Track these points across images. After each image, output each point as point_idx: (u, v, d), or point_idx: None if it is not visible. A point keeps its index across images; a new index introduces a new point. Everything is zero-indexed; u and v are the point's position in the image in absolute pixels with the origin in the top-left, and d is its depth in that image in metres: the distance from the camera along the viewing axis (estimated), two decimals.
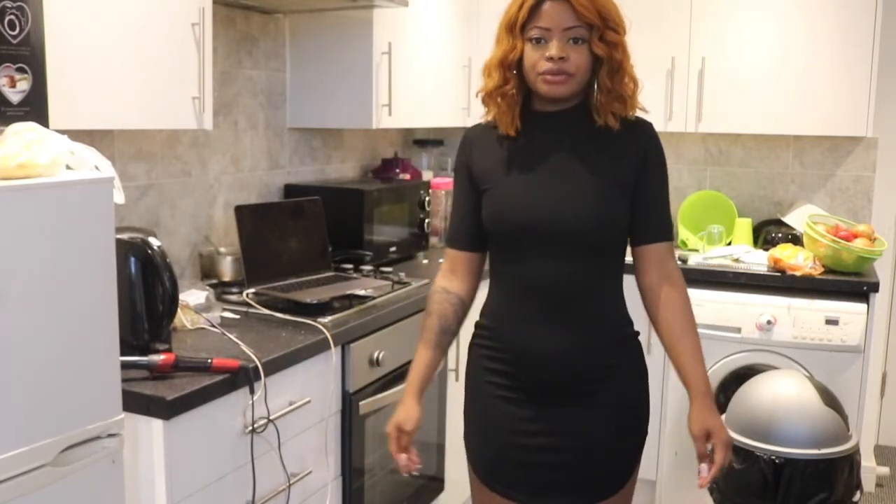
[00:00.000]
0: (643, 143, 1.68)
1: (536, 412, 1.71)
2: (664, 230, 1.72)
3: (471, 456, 1.83)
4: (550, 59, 1.59)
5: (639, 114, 1.71)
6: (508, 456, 1.75)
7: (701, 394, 1.68)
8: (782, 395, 2.52)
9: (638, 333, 1.79)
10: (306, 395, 2.06)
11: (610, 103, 1.65)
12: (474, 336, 1.83)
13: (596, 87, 1.65)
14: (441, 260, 3.26)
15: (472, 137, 1.79)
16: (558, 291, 1.66)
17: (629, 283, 1.74)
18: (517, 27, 1.64)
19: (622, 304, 1.75)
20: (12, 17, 1.53)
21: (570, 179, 1.66)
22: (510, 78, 1.67)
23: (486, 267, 1.82)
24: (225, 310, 2.28)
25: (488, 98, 1.72)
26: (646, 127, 1.71)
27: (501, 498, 1.77)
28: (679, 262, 3.20)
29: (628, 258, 1.73)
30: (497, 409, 1.74)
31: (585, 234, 1.64)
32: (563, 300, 1.67)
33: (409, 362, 2.52)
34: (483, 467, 1.80)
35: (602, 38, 1.60)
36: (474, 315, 1.83)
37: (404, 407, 1.78)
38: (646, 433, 1.83)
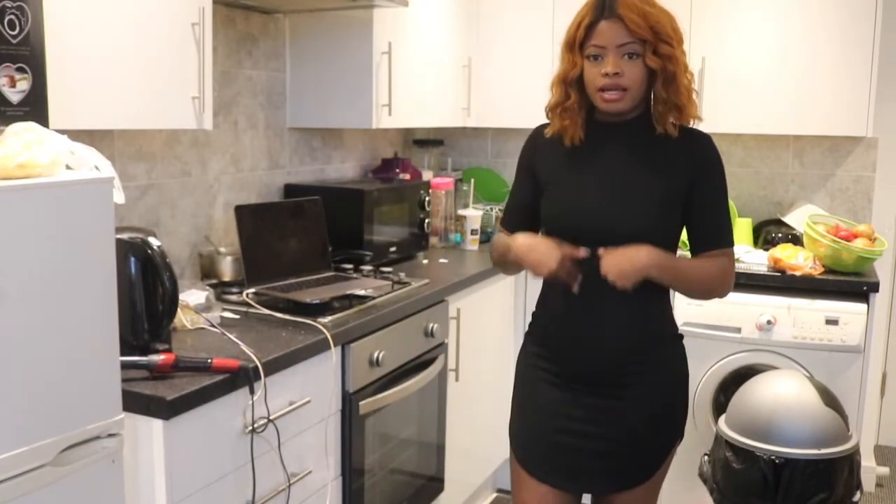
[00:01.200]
0: (698, 153, 1.80)
1: (576, 398, 1.86)
2: (718, 237, 1.83)
3: (512, 437, 1.99)
4: (606, 74, 1.71)
5: (698, 125, 1.83)
6: (546, 438, 1.89)
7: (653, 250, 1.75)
8: (782, 395, 2.52)
9: (682, 336, 1.93)
10: (306, 395, 2.06)
11: (667, 113, 1.77)
12: (529, 326, 2.00)
13: (653, 97, 1.77)
14: (441, 260, 3.28)
15: (539, 138, 1.93)
16: (605, 290, 1.76)
17: None
18: (576, 46, 1.75)
19: (667, 307, 1.90)
20: (12, 17, 1.53)
21: (625, 186, 1.79)
22: (571, 93, 1.80)
23: None
24: (225, 310, 2.28)
25: (552, 112, 1.86)
26: (702, 137, 1.81)
27: (536, 481, 1.92)
28: None
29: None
30: (541, 393, 1.91)
31: (633, 241, 1.74)
32: (608, 299, 1.78)
33: (409, 362, 2.54)
34: (521, 448, 1.95)
35: (655, 51, 1.70)
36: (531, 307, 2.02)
37: (540, 242, 1.84)
38: (681, 433, 1.94)
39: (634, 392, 1.85)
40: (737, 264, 3.21)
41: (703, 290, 1.86)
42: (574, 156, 1.85)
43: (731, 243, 1.86)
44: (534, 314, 1.99)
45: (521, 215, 1.97)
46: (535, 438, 1.93)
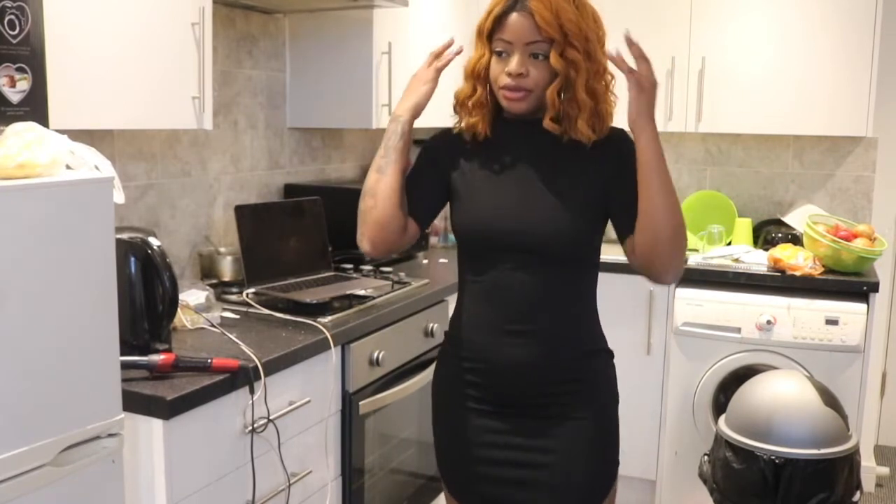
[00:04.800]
0: (614, 148, 1.63)
1: (505, 425, 1.69)
2: None
3: (442, 469, 1.82)
4: (509, 74, 1.58)
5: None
6: (476, 470, 1.72)
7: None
8: (782, 395, 2.52)
9: (611, 353, 1.76)
10: (306, 395, 2.07)
11: (557, 118, 1.61)
12: (443, 346, 1.81)
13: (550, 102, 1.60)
14: (441, 259, 3.27)
15: (447, 135, 1.77)
16: (522, 302, 1.64)
17: (604, 299, 1.74)
18: (484, 35, 1.63)
19: (592, 321, 1.73)
20: (12, 17, 1.53)
21: (537, 190, 1.64)
22: (478, 87, 1.66)
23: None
24: (225, 310, 2.28)
25: (460, 107, 1.72)
26: (615, 132, 1.65)
27: None
28: None
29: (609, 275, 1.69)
30: (467, 421, 1.72)
31: (549, 246, 1.62)
32: (526, 311, 1.64)
33: (409, 362, 2.54)
34: (453, 480, 1.79)
35: (562, 53, 1.56)
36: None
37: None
38: (617, 458, 1.75)
39: (569, 416, 1.66)
40: (737, 264, 3.25)
41: (675, 213, 1.57)
42: (482, 159, 1.70)
43: None
44: (449, 334, 1.79)
45: (409, 196, 1.73)
46: (465, 469, 1.74)
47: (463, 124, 1.73)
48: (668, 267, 1.61)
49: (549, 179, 1.64)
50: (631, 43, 1.55)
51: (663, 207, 1.56)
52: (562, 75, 1.57)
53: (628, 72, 1.54)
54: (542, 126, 1.63)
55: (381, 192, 1.69)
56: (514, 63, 1.58)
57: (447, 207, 1.78)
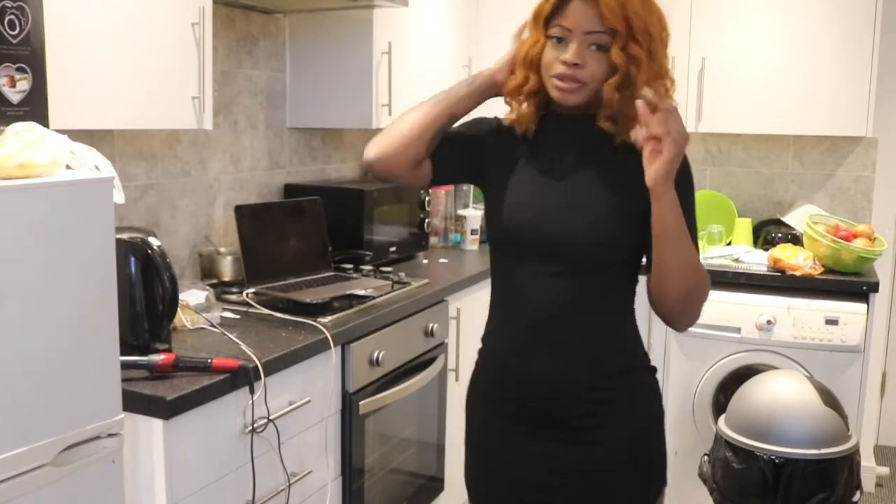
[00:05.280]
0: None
1: (528, 443, 1.58)
2: None
3: (466, 479, 1.74)
4: (564, 63, 1.46)
5: None
6: (498, 485, 1.64)
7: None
8: (782, 395, 2.52)
9: (653, 370, 1.63)
10: (306, 394, 2.06)
11: (611, 118, 1.49)
12: (476, 363, 1.72)
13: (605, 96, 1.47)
14: (441, 260, 3.27)
15: (501, 124, 1.67)
16: (548, 309, 1.54)
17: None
18: (542, 20, 1.51)
19: (627, 336, 1.58)
20: (12, 17, 1.53)
21: (578, 192, 1.52)
22: (531, 75, 1.54)
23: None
24: (225, 310, 2.28)
25: (512, 97, 1.60)
26: None
27: None
28: None
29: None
30: (493, 433, 1.64)
31: (580, 254, 1.51)
32: (552, 319, 1.53)
33: (409, 362, 2.54)
34: (475, 493, 1.71)
35: (624, 47, 1.43)
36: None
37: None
38: (664, 480, 1.64)
39: (602, 436, 1.54)
40: (737, 264, 3.25)
41: (691, 277, 1.47)
42: (525, 153, 1.59)
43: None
44: (480, 350, 1.70)
45: (440, 142, 1.64)
46: (486, 484, 1.67)
47: (514, 115, 1.61)
48: (676, 319, 1.53)
49: (593, 182, 1.53)
50: (651, 104, 1.38)
51: (675, 271, 1.46)
52: (621, 71, 1.44)
53: (660, 132, 1.37)
54: (593, 124, 1.51)
55: (420, 115, 1.62)
56: (570, 51, 1.45)
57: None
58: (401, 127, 1.64)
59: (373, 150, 1.67)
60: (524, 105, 1.58)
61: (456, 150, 1.66)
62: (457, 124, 1.67)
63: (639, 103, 1.38)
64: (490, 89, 1.63)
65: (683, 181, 1.47)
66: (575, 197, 1.53)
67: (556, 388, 1.55)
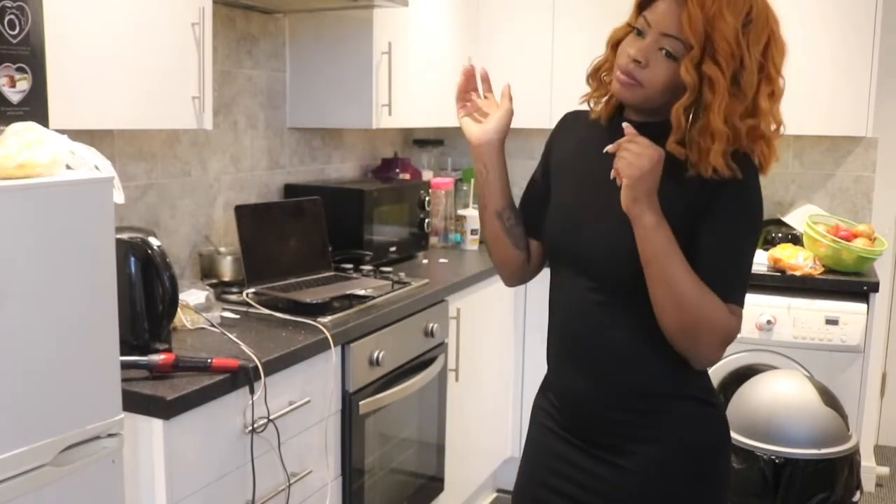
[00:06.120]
0: (717, 186, 1.37)
1: (568, 452, 1.53)
2: (720, 284, 1.37)
3: (514, 490, 1.70)
4: (628, 56, 1.38)
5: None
6: (536, 493, 1.60)
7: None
8: (782, 395, 2.52)
9: (704, 401, 1.49)
10: (306, 394, 2.06)
11: (680, 145, 1.37)
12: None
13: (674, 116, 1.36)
14: (441, 259, 3.27)
15: (568, 119, 1.62)
16: (581, 328, 1.48)
17: None
18: (637, 4, 1.42)
19: (665, 360, 1.43)
20: (12, 17, 1.53)
21: (612, 201, 1.38)
22: (612, 59, 1.45)
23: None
24: (225, 310, 2.28)
25: (592, 76, 1.52)
26: (742, 166, 1.38)
27: None
28: None
29: None
30: (539, 441, 1.61)
31: (604, 267, 1.44)
32: (586, 340, 1.48)
33: (409, 362, 2.54)
34: (517, 498, 1.68)
35: (698, 65, 1.32)
36: None
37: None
38: None
39: (629, 461, 1.46)
40: None
41: (682, 312, 1.35)
42: (590, 147, 1.47)
43: (737, 301, 1.40)
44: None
45: (524, 210, 1.62)
46: (528, 491, 1.63)
47: (591, 100, 1.53)
48: (685, 355, 1.41)
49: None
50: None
51: (661, 302, 1.36)
52: (691, 91, 1.33)
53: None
54: (654, 129, 1.38)
55: (488, 240, 1.62)
56: (638, 46, 1.37)
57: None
58: (491, 257, 1.65)
59: (502, 279, 1.68)
60: (601, 87, 1.50)
61: (535, 209, 1.60)
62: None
63: (626, 126, 1.35)
64: (476, 156, 1.55)
65: (734, 202, 1.38)
66: (613, 209, 1.38)
67: (585, 402, 1.50)
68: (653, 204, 1.33)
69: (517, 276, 1.65)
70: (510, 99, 1.53)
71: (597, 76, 1.51)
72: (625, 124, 1.37)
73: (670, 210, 1.36)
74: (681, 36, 1.33)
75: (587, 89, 1.55)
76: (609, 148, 1.37)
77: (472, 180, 1.57)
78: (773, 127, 1.42)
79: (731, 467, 1.59)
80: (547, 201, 1.57)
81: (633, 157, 1.32)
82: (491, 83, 1.57)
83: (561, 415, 1.55)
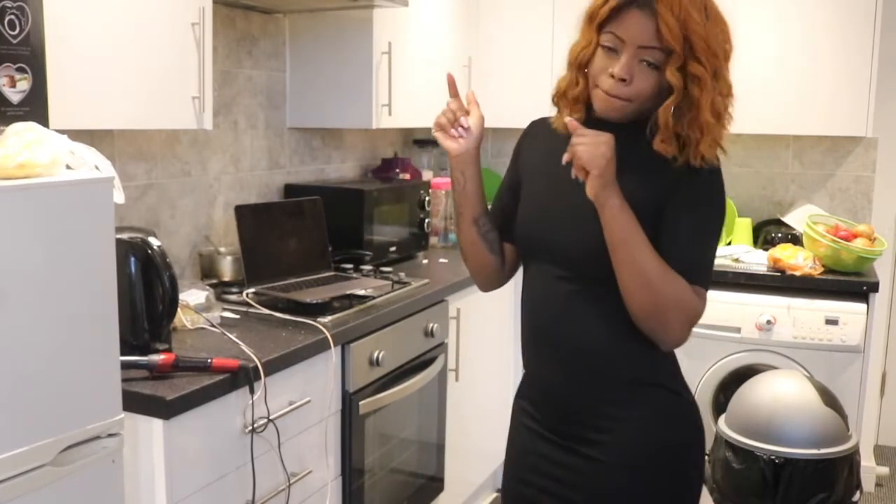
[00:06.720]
0: (682, 173, 1.42)
1: (547, 450, 1.56)
2: (686, 269, 1.41)
3: (502, 483, 1.73)
4: (612, 76, 1.40)
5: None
6: (516, 490, 1.63)
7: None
8: (782, 395, 2.52)
9: (672, 391, 1.52)
10: (306, 394, 2.06)
11: (668, 142, 1.41)
12: None
13: (657, 119, 1.41)
14: (441, 259, 3.27)
15: (536, 125, 1.65)
16: (551, 317, 1.51)
17: None
18: (596, 22, 1.42)
19: (633, 348, 1.47)
20: (12, 17, 1.53)
21: (584, 196, 1.41)
22: (580, 79, 1.47)
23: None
24: (225, 310, 2.28)
25: (559, 98, 1.54)
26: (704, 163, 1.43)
27: None
28: None
29: None
30: (518, 435, 1.64)
31: (583, 258, 1.46)
32: (555, 328, 1.51)
33: (409, 362, 2.54)
34: (503, 495, 1.71)
35: (682, 67, 1.36)
36: None
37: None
38: None
39: (603, 453, 1.49)
40: (737, 264, 3.25)
41: (649, 293, 1.38)
42: (558, 151, 1.45)
43: (701, 283, 1.43)
44: None
45: (496, 213, 1.66)
46: (507, 486, 1.68)
47: (559, 117, 1.55)
48: (653, 337, 1.44)
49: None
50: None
51: (627, 284, 1.39)
52: (678, 92, 1.38)
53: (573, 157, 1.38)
54: (625, 129, 1.43)
55: (462, 246, 1.66)
56: (620, 66, 1.38)
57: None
58: (466, 264, 1.69)
59: (477, 285, 1.74)
60: (573, 108, 1.51)
61: (507, 212, 1.64)
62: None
63: (568, 120, 1.38)
64: (454, 165, 1.59)
65: (696, 189, 1.42)
66: (579, 200, 1.42)
67: (558, 391, 1.53)
68: (616, 188, 1.38)
69: (493, 282, 1.70)
70: (478, 104, 1.57)
71: (565, 97, 1.52)
72: (567, 119, 1.40)
73: (639, 200, 1.40)
74: (660, 45, 1.36)
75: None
76: (566, 158, 1.40)
77: (456, 184, 1.59)
78: (732, 99, 1.48)
79: (703, 461, 1.61)
80: (518, 205, 1.62)
81: (591, 148, 1.35)
82: (457, 88, 1.59)
83: (538, 410, 1.58)
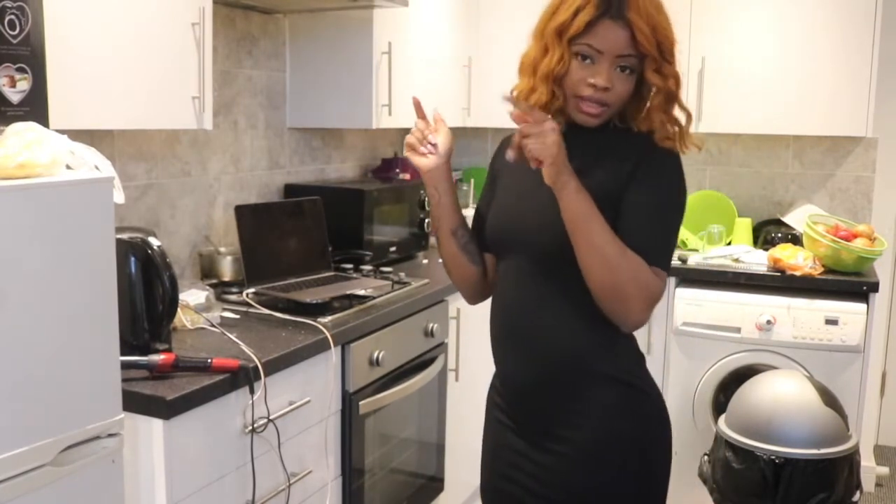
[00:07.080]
0: (636, 156, 1.49)
1: (516, 442, 1.60)
2: (644, 250, 1.44)
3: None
4: (594, 86, 1.46)
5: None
6: (493, 484, 1.67)
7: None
8: (782, 395, 2.52)
9: (637, 389, 1.55)
10: (306, 394, 2.06)
11: (662, 130, 1.50)
12: None
13: (645, 114, 1.51)
14: (441, 260, 3.26)
15: (506, 141, 1.62)
16: (519, 311, 1.56)
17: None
18: (566, 36, 1.46)
19: (603, 341, 1.52)
20: (12, 17, 1.53)
21: (546, 190, 1.44)
22: (558, 94, 1.51)
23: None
24: (225, 310, 2.28)
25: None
26: (645, 139, 1.51)
27: None
28: (679, 262, 3.21)
29: None
30: (491, 431, 1.69)
31: (550, 249, 1.49)
32: (523, 322, 1.55)
33: (409, 362, 2.54)
34: (482, 489, 1.74)
35: (658, 69, 1.46)
36: None
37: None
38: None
39: (570, 448, 1.53)
40: (737, 264, 3.24)
41: (608, 272, 1.40)
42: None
43: (660, 263, 1.46)
44: None
45: (475, 230, 1.69)
46: (484, 480, 1.71)
47: None
48: (613, 318, 1.46)
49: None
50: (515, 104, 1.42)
51: (587, 265, 1.42)
52: (662, 91, 1.48)
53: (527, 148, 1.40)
54: (601, 133, 1.52)
55: (444, 259, 1.70)
56: (601, 76, 1.45)
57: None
58: (450, 277, 1.73)
59: (465, 298, 1.76)
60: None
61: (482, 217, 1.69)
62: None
63: (510, 111, 1.40)
64: (427, 181, 1.65)
65: (652, 173, 1.48)
66: (539, 195, 1.47)
67: (522, 381, 1.58)
68: (571, 172, 1.41)
69: (478, 293, 1.73)
70: (444, 122, 1.64)
71: (545, 110, 1.52)
72: (509, 110, 1.42)
73: (602, 191, 1.45)
74: (635, 52, 1.44)
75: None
76: (509, 154, 1.42)
77: (431, 199, 1.61)
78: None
79: (670, 455, 1.62)
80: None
81: (540, 136, 1.38)
82: (424, 111, 1.65)
83: (507, 403, 1.62)
